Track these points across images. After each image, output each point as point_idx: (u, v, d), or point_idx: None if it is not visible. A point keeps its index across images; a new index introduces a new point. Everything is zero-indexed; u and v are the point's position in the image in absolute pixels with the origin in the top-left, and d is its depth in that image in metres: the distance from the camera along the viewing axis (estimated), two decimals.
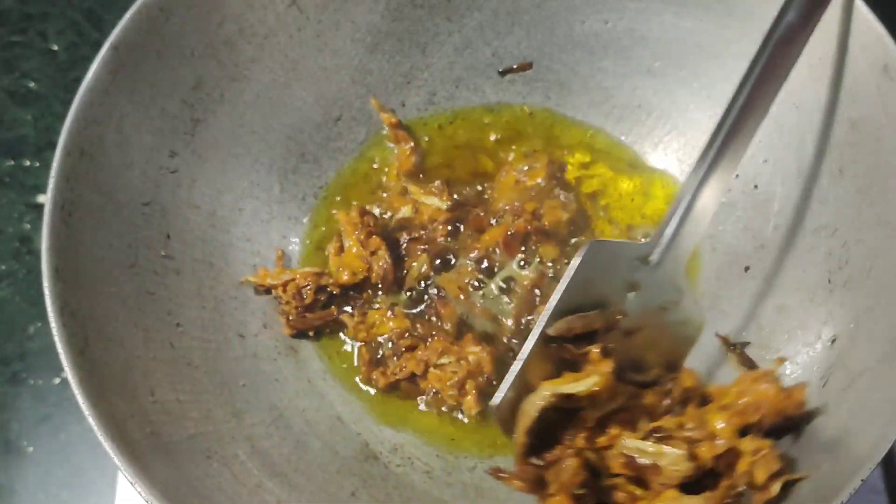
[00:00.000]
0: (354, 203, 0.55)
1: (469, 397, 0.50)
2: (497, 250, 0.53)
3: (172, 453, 0.43)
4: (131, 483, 0.39)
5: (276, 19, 0.53)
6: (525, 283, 0.53)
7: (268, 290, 0.53)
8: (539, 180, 0.56)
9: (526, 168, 0.56)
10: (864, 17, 0.48)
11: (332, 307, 0.53)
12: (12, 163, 0.64)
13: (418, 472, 0.49)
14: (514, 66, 0.58)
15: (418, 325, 0.53)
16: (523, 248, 0.54)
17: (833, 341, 0.47)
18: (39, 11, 0.70)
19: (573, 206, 0.55)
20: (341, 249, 0.53)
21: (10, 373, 0.58)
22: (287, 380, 0.51)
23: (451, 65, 0.58)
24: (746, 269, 0.53)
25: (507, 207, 0.55)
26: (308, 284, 0.52)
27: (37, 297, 0.59)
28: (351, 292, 0.53)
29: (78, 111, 0.46)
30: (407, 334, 0.52)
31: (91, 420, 0.40)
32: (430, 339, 0.52)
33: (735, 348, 0.51)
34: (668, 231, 0.46)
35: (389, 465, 0.49)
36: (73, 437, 0.56)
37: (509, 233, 0.53)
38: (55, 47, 0.68)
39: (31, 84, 0.67)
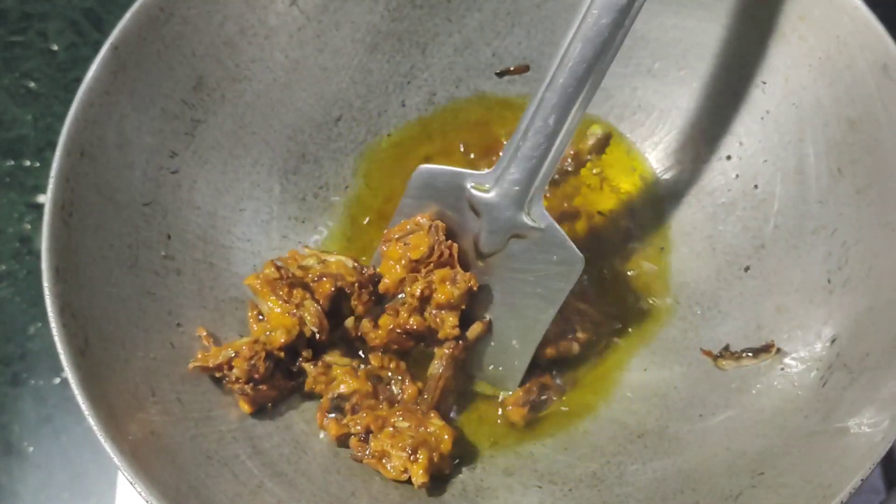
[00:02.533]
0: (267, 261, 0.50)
1: (418, 466, 0.46)
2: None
3: (173, 454, 0.43)
4: (131, 483, 0.39)
5: (277, 19, 0.53)
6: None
7: (212, 374, 0.48)
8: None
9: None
10: (864, 17, 0.48)
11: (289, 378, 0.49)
12: (12, 163, 0.64)
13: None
14: (511, 69, 0.58)
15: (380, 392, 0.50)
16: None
17: (833, 341, 0.47)
18: (39, 11, 0.70)
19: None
20: (260, 315, 0.49)
21: (11, 373, 0.58)
22: None
23: (451, 65, 0.58)
24: (746, 269, 0.53)
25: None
26: (255, 354, 0.47)
27: (37, 297, 0.59)
28: (302, 352, 0.49)
29: (78, 111, 0.46)
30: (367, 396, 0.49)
31: (91, 420, 0.40)
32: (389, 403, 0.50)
33: (721, 357, 0.51)
34: (504, 158, 0.47)
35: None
36: (73, 438, 0.56)
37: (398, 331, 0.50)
38: (55, 47, 0.68)
39: (31, 84, 0.67)
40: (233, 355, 0.47)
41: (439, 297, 0.48)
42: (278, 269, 0.49)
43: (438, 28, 0.57)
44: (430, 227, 0.49)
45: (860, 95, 0.48)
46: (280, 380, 0.49)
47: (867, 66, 0.48)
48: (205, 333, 0.48)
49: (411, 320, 0.49)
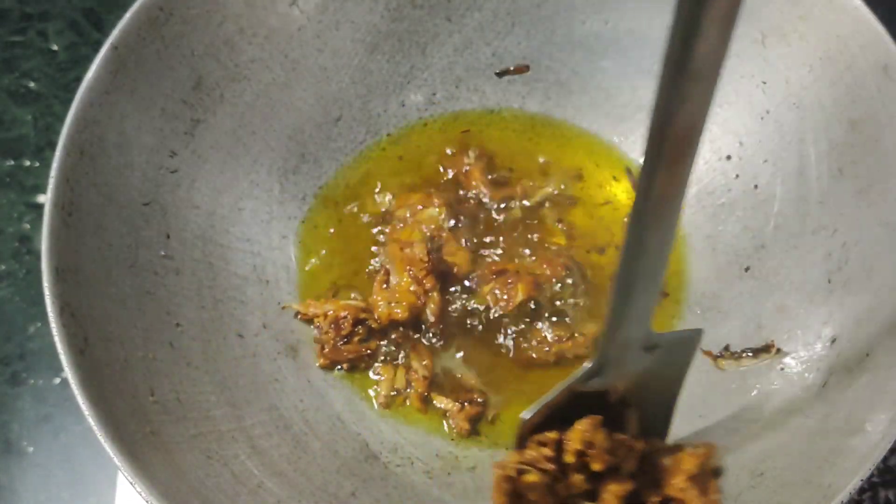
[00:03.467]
0: (417, 240, 0.53)
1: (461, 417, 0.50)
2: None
3: (172, 453, 0.43)
4: (131, 483, 0.39)
5: (276, 19, 0.53)
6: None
7: (309, 320, 0.53)
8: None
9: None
10: (864, 17, 0.48)
11: (371, 341, 0.53)
12: (12, 163, 0.64)
13: (418, 472, 0.49)
14: (511, 69, 0.58)
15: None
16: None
17: (833, 341, 0.47)
18: (39, 11, 0.70)
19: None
20: (385, 284, 0.52)
21: (10, 373, 0.58)
22: (287, 380, 0.51)
23: (451, 65, 0.58)
24: (746, 269, 0.53)
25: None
26: (346, 315, 0.52)
27: (37, 297, 0.59)
28: (396, 330, 0.53)
29: (78, 111, 0.46)
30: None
31: (91, 420, 0.40)
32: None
33: (721, 356, 0.51)
34: (611, 338, 0.40)
35: (389, 465, 0.49)
36: (73, 438, 0.56)
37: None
38: (55, 47, 0.68)
39: (31, 84, 0.67)
40: (329, 310, 0.52)
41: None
42: (429, 252, 0.52)
43: (438, 28, 0.57)
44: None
45: (861, 96, 0.48)
46: (357, 344, 0.52)
47: (868, 67, 0.48)
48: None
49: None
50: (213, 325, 0.49)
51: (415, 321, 0.52)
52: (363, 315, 0.52)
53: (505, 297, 0.52)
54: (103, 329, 0.44)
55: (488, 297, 0.52)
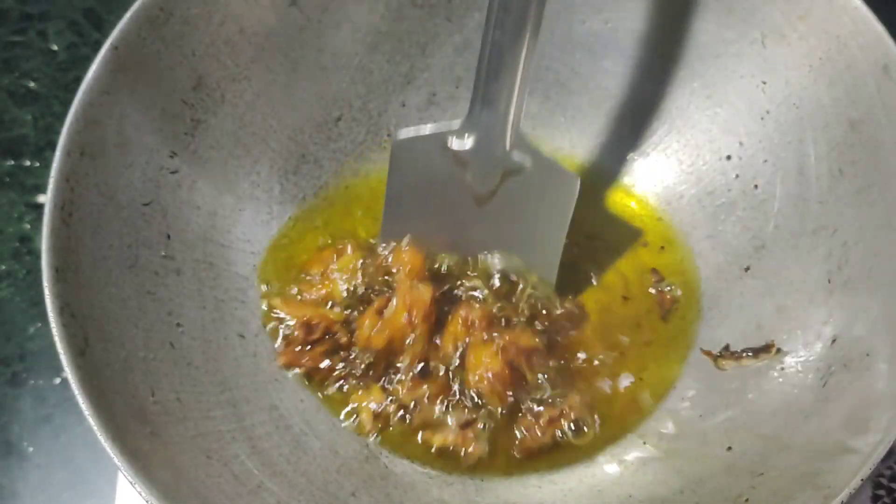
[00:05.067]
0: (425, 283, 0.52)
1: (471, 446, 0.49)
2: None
3: (173, 453, 0.43)
4: (131, 483, 0.39)
5: (276, 19, 0.53)
6: None
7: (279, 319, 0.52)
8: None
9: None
10: (864, 17, 0.48)
11: (335, 357, 0.51)
12: (12, 163, 0.64)
13: (418, 472, 0.49)
14: None
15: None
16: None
17: (833, 341, 0.47)
18: (39, 11, 0.70)
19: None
20: (383, 310, 0.51)
21: (10, 373, 0.58)
22: (287, 380, 0.51)
23: (452, 65, 0.58)
24: (746, 269, 0.53)
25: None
26: (318, 323, 0.51)
27: (37, 297, 0.59)
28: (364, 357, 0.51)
29: (78, 111, 0.46)
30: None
31: (91, 420, 0.40)
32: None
33: (721, 356, 0.51)
34: (475, 101, 0.47)
35: (389, 465, 0.49)
36: (73, 438, 0.56)
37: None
38: (55, 47, 0.68)
39: (31, 84, 0.67)
40: (305, 317, 0.51)
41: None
42: (434, 298, 0.50)
43: (438, 28, 0.57)
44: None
45: (861, 96, 0.48)
46: (318, 355, 0.51)
47: (868, 67, 0.48)
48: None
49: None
50: (214, 325, 0.49)
51: (386, 360, 0.51)
52: (335, 328, 0.51)
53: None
54: (104, 329, 0.44)
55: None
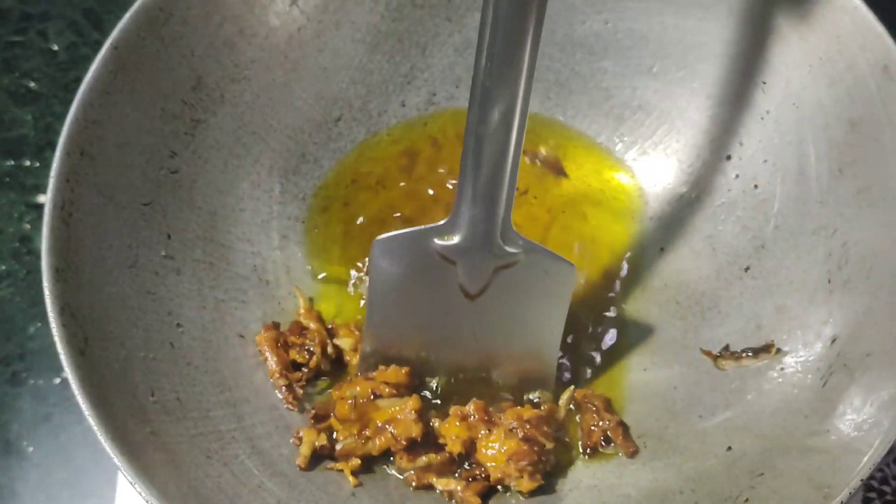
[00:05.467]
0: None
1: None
2: None
3: (172, 453, 0.43)
4: (131, 483, 0.39)
5: (276, 19, 0.53)
6: None
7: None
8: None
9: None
10: (864, 16, 0.48)
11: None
12: (12, 163, 0.64)
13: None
14: None
15: None
16: None
17: (833, 341, 0.47)
18: (39, 11, 0.70)
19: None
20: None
21: (10, 373, 0.58)
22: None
23: (452, 65, 0.58)
24: (746, 269, 0.53)
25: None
26: (320, 346, 0.50)
27: (37, 297, 0.59)
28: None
29: (78, 111, 0.46)
30: None
31: (91, 420, 0.40)
32: None
33: (721, 356, 0.51)
34: (460, 199, 0.44)
35: (389, 465, 0.49)
36: (73, 438, 0.56)
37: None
38: (55, 47, 0.68)
39: (31, 84, 0.67)
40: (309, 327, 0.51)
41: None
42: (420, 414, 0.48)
43: (438, 28, 0.57)
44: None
45: (861, 96, 0.48)
46: (301, 379, 0.50)
47: (868, 67, 0.48)
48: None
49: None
50: (213, 325, 0.49)
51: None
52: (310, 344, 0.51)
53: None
54: (103, 329, 0.44)
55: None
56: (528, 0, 0.37)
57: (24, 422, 0.56)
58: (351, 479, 0.46)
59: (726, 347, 0.51)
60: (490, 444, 0.47)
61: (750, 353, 0.50)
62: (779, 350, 0.49)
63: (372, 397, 0.47)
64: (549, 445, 0.47)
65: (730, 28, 0.53)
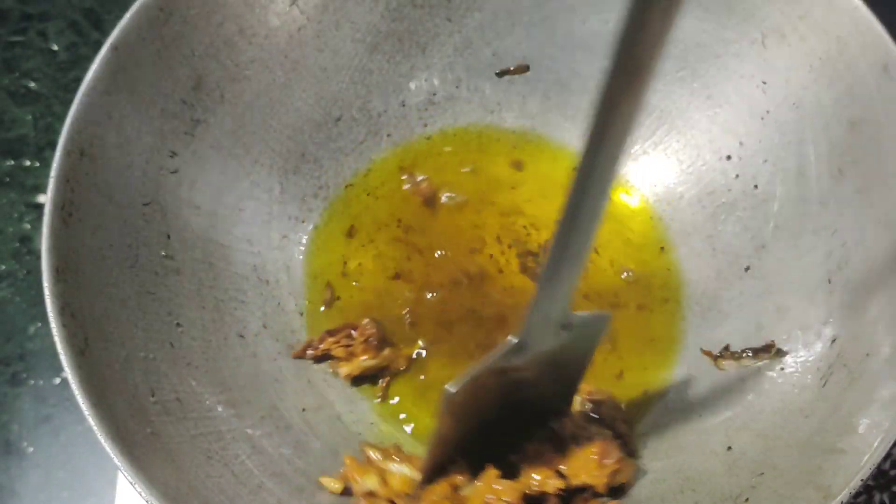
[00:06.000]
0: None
1: None
2: None
3: (173, 454, 0.43)
4: (131, 483, 0.39)
5: (277, 19, 0.53)
6: None
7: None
8: None
9: None
10: (864, 17, 0.48)
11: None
12: (12, 163, 0.64)
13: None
14: (511, 69, 0.58)
15: None
16: None
17: (833, 341, 0.47)
18: (39, 11, 0.70)
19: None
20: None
21: (10, 373, 0.58)
22: (287, 380, 0.51)
23: (451, 65, 0.58)
24: (746, 269, 0.53)
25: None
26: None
27: (37, 297, 0.59)
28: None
29: (78, 111, 0.46)
30: None
31: (91, 420, 0.40)
32: None
33: (721, 356, 0.51)
34: (536, 317, 0.40)
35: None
36: (73, 438, 0.56)
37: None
38: (55, 47, 0.68)
39: (31, 84, 0.67)
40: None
41: None
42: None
43: (438, 28, 0.57)
44: None
45: (861, 96, 0.48)
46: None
47: (867, 67, 0.48)
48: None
49: None
50: (213, 325, 0.49)
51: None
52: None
53: None
54: (103, 329, 0.44)
55: None
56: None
57: (24, 422, 0.56)
58: None
59: (726, 347, 0.51)
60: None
61: (750, 353, 0.50)
62: (779, 350, 0.49)
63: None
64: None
65: (730, 28, 0.53)
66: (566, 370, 0.46)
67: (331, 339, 0.52)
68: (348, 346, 0.52)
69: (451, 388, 0.41)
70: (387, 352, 0.52)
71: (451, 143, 0.59)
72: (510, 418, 0.46)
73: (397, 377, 0.52)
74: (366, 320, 0.52)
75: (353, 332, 0.52)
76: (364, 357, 0.51)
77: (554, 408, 0.48)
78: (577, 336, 0.43)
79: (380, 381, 0.52)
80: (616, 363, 0.52)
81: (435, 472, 0.46)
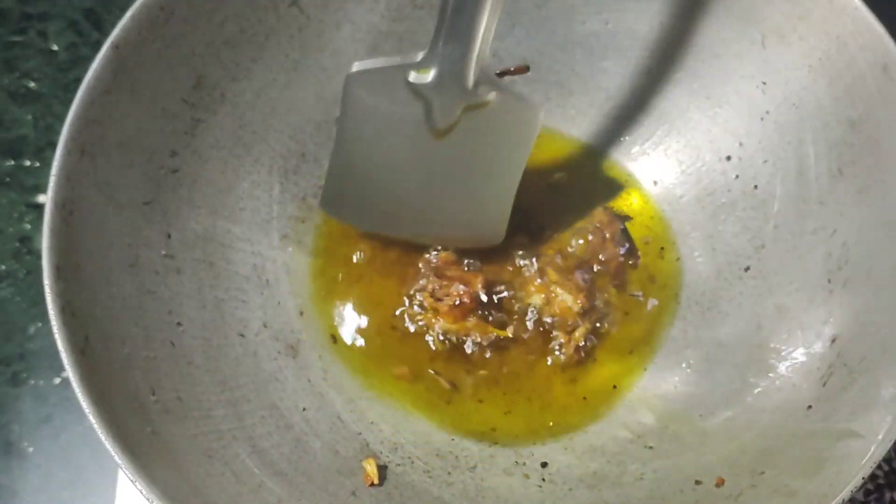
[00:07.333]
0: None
1: None
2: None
3: (173, 453, 0.43)
4: (132, 482, 0.39)
5: (277, 19, 0.53)
6: None
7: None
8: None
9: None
10: (864, 17, 0.48)
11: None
12: (12, 163, 0.64)
13: (418, 472, 0.49)
14: (511, 69, 0.58)
15: None
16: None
17: (833, 341, 0.47)
18: (39, 11, 0.70)
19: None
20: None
21: (11, 373, 0.58)
22: (287, 379, 0.51)
23: None
24: (746, 269, 0.53)
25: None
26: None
27: (37, 297, 0.59)
28: None
29: (78, 111, 0.46)
30: None
31: (92, 420, 0.40)
32: None
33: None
34: (438, 33, 0.44)
35: (389, 464, 0.49)
36: (73, 438, 0.56)
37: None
38: (55, 47, 0.68)
39: (31, 84, 0.67)
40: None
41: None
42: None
43: None
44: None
45: (860, 96, 0.48)
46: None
47: (867, 67, 0.48)
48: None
49: None
50: (214, 324, 0.49)
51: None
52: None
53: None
54: (104, 328, 0.44)
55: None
56: None
57: (24, 422, 0.56)
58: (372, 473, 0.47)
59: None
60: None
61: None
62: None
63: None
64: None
65: (730, 28, 0.53)
66: (490, 161, 0.49)
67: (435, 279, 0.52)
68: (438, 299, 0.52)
69: (356, 65, 0.46)
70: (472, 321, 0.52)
71: None
72: (435, 202, 0.50)
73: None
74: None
75: (461, 286, 0.52)
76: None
77: (487, 224, 0.52)
78: (497, 112, 0.46)
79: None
80: (617, 363, 0.52)
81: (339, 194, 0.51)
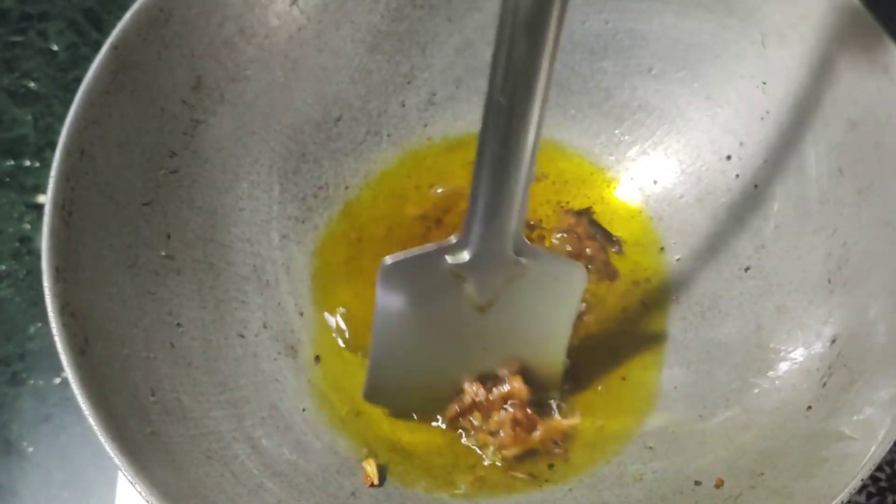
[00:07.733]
0: None
1: None
2: None
3: (173, 453, 0.43)
4: (131, 483, 0.39)
5: (277, 19, 0.53)
6: None
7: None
8: None
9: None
10: (864, 17, 0.48)
11: None
12: (12, 163, 0.64)
13: (418, 472, 0.49)
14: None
15: None
16: None
17: (833, 341, 0.47)
18: (39, 11, 0.70)
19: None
20: None
21: (10, 373, 0.58)
22: (287, 380, 0.51)
23: (452, 65, 0.58)
24: (746, 269, 0.53)
25: None
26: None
27: (37, 297, 0.59)
28: None
29: (78, 111, 0.46)
30: None
31: (91, 420, 0.40)
32: None
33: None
34: (472, 214, 0.42)
35: (389, 464, 0.49)
36: (73, 438, 0.56)
37: None
38: (55, 47, 0.68)
39: (31, 84, 0.67)
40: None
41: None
42: None
43: (438, 28, 0.57)
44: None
45: (861, 96, 0.48)
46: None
47: (867, 67, 0.48)
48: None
49: None
50: (214, 325, 0.49)
51: None
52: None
53: None
54: (104, 329, 0.44)
55: None
56: (546, 11, 0.35)
57: (24, 422, 0.56)
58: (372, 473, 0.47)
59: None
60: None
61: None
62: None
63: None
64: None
65: (730, 28, 0.53)
66: (537, 324, 0.47)
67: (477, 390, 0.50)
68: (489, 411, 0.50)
69: (388, 259, 0.43)
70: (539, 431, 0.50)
71: (451, 143, 0.59)
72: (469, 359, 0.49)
73: None
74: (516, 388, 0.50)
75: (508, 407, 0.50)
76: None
77: (543, 378, 0.50)
78: (538, 278, 0.45)
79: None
80: (617, 364, 0.52)
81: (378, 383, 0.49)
